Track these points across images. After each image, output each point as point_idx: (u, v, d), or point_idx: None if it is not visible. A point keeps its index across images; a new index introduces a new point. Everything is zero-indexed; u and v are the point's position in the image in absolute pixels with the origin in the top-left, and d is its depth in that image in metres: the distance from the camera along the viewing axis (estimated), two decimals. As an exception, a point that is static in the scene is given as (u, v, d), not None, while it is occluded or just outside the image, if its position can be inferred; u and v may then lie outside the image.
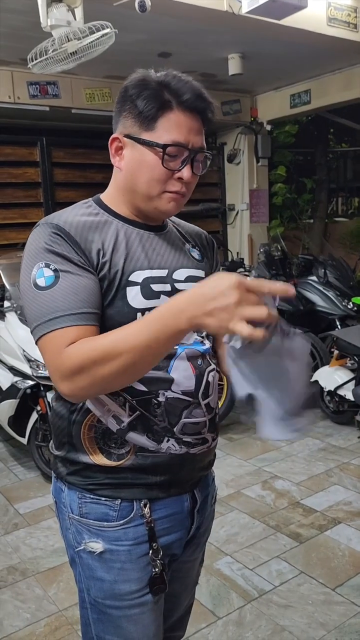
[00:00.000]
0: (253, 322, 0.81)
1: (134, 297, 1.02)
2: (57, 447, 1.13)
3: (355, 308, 4.35)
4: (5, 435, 3.70)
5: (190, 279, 1.11)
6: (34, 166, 5.11)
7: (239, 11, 3.39)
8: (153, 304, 1.03)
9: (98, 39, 2.82)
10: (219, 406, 3.97)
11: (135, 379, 0.99)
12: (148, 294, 1.03)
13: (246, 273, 4.93)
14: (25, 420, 3.18)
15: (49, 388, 3.01)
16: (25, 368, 3.16)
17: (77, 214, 1.05)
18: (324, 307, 4.43)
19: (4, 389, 3.30)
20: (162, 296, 1.05)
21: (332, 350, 3.99)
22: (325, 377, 3.83)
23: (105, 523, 1.07)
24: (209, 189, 6.26)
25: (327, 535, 2.59)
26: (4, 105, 4.62)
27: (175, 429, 1.06)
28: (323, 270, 4.49)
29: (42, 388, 3.07)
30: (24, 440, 3.20)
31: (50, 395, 2.99)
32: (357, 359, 3.72)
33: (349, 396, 3.68)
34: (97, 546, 1.07)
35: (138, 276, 1.04)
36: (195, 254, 1.19)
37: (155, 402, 1.04)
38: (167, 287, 1.07)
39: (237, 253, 6.14)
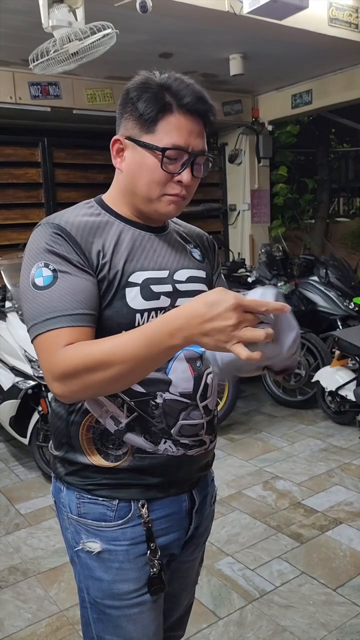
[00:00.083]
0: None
1: (133, 298, 1.02)
2: (56, 448, 1.13)
3: (357, 308, 4.35)
4: (7, 435, 3.71)
5: (191, 280, 1.12)
6: (35, 167, 5.12)
7: (240, 11, 3.39)
8: (152, 304, 1.03)
9: (99, 39, 2.82)
10: (220, 407, 4.00)
11: (127, 387, 1.00)
12: (148, 294, 1.03)
13: (247, 273, 4.93)
14: (26, 420, 3.18)
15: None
16: (27, 368, 3.16)
17: (78, 214, 1.05)
18: (326, 308, 4.43)
19: (5, 389, 3.30)
20: (162, 297, 1.05)
21: (334, 350, 3.99)
22: (327, 378, 3.83)
23: (103, 523, 1.07)
24: (210, 189, 6.26)
25: (328, 535, 2.59)
26: (5, 106, 4.62)
27: (172, 431, 1.06)
28: (324, 271, 4.49)
29: (43, 388, 3.07)
30: (25, 441, 3.20)
31: (51, 396, 2.99)
32: (358, 359, 3.72)
33: (350, 396, 3.68)
34: (95, 546, 1.08)
35: (138, 277, 1.04)
36: (197, 254, 1.19)
37: (153, 403, 1.04)
38: (169, 288, 1.07)
39: (239, 253, 6.14)
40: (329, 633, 1.98)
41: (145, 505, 1.08)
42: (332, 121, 6.81)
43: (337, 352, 3.84)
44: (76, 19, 2.89)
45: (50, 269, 0.96)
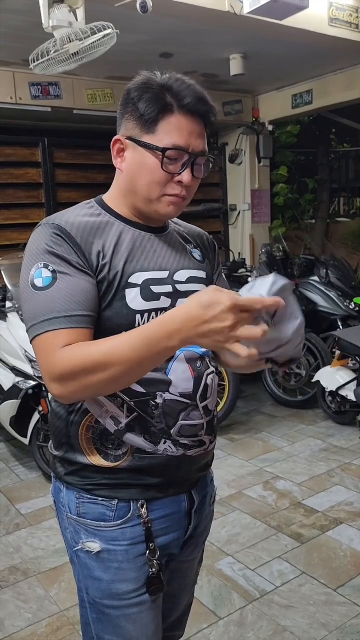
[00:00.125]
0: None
1: (133, 298, 1.02)
2: (55, 448, 1.13)
3: (357, 308, 4.34)
4: (7, 435, 3.71)
5: (191, 280, 1.12)
6: (35, 167, 5.11)
7: (241, 12, 3.39)
8: (152, 305, 1.03)
9: (100, 39, 2.82)
10: (220, 407, 4.00)
11: (125, 387, 1.00)
12: (148, 295, 1.03)
13: (248, 273, 4.93)
14: (27, 420, 3.18)
15: (50, 388, 3.01)
16: (27, 368, 3.16)
17: (79, 215, 1.05)
18: (326, 308, 4.43)
19: (5, 389, 3.30)
20: (162, 297, 1.05)
21: (334, 350, 3.99)
22: (327, 378, 3.83)
23: (103, 523, 1.08)
24: (210, 189, 6.26)
25: (328, 535, 2.58)
26: (5, 106, 4.62)
27: (172, 431, 1.06)
28: (325, 271, 4.48)
29: (44, 388, 3.07)
30: (26, 441, 3.21)
31: (51, 396, 2.99)
32: (359, 360, 3.72)
33: (351, 397, 3.68)
34: (95, 546, 1.08)
35: (138, 278, 1.04)
36: (197, 254, 1.19)
37: (153, 403, 1.04)
38: (169, 289, 1.07)
39: (239, 253, 6.14)
40: (330, 633, 1.98)
41: (145, 506, 1.08)
42: (332, 121, 6.80)
43: (338, 352, 3.84)
44: (77, 19, 2.89)
45: (49, 270, 0.96)
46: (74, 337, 0.94)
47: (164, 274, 1.08)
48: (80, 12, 2.90)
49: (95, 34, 2.81)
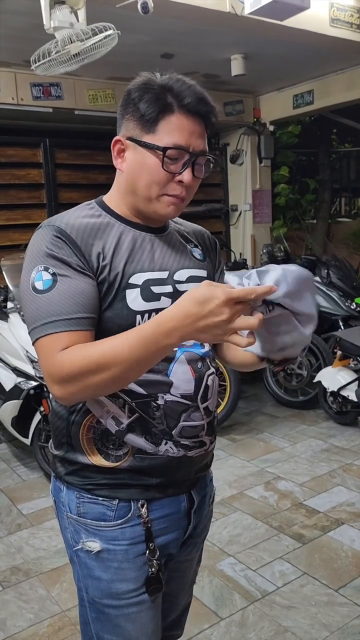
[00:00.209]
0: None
1: (134, 299, 1.02)
2: (56, 447, 1.14)
3: (359, 309, 4.34)
4: (9, 436, 3.71)
5: (192, 280, 1.12)
6: (37, 167, 5.12)
7: (242, 12, 3.39)
8: (153, 306, 1.04)
9: (101, 40, 2.83)
10: (222, 408, 4.00)
11: (126, 385, 1.01)
12: (148, 296, 1.04)
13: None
14: (28, 421, 3.19)
15: (52, 389, 3.01)
16: (29, 369, 3.17)
17: (79, 216, 1.05)
18: (327, 308, 4.42)
19: (7, 389, 3.31)
20: (162, 298, 1.06)
21: (335, 350, 3.99)
22: (328, 378, 3.83)
23: (103, 523, 1.08)
24: (211, 189, 6.26)
25: (330, 536, 2.58)
26: (7, 107, 4.63)
27: (173, 432, 1.06)
28: (326, 271, 4.48)
29: (45, 389, 3.08)
30: (27, 441, 3.21)
31: (52, 396, 2.99)
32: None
33: (352, 397, 3.68)
34: (95, 545, 1.08)
35: (138, 278, 1.04)
36: (197, 253, 1.19)
37: (154, 404, 1.05)
38: (169, 289, 1.07)
39: (240, 254, 6.14)
40: (331, 634, 1.98)
41: (145, 505, 1.08)
42: (333, 121, 6.79)
43: (339, 353, 3.84)
44: (78, 20, 2.89)
45: (49, 272, 0.97)
46: (74, 339, 0.94)
47: (164, 274, 1.08)
48: (81, 13, 2.90)
49: (97, 34, 2.81)
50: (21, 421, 3.22)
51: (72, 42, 2.82)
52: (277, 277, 0.87)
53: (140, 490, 1.08)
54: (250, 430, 3.97)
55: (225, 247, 6.09)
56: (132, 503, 1.08)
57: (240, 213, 6.35)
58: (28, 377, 3.18)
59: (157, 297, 1.05)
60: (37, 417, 3.14)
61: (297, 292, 0.89)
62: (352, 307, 4.33)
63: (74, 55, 2.87)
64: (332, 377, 3.80)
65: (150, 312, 1.03)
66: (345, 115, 6.50)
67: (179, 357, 1.06)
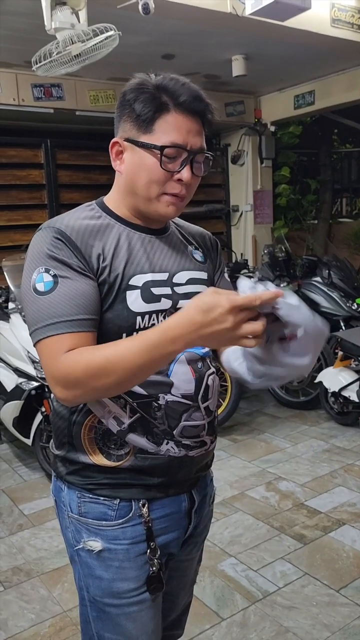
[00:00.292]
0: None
1: (134, 300, 1.02)
2: (57, 447, 1.14)
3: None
4: (10, 436, 3.71)
5: (191, 282, 1.12)
6: (38, 168, 5.13)
7: (243, 13, 3.39)
8: (153, 307, 1.04)
9: (102, 41, 2.83)
10: (223, 408, 3.99)
11: (129, 389, 1.01)
12: (148, 297, 1.04)
13: (250, 274, 4.93)
14: (29, 421, 3.19)
15: (53, 389, 3.01)
16: (30, 369, 3.17)
17: (79, 218, 1.05)
18: (328, 308, 4.42)
19: (8, 390, 3.31)
20: (162, 299, 1.06)
21: (337, 351, 3.99)
22: (330, 378, 3.82)
23: (104, 522, 1.08)
24: (212, 190, 6.27)
25: (331, 536, 2.58)
26: (8, 108, 4.64)
27: (174, 432, 1.07)
28: (327, 271, 4.48)
29: (46, 389, 3.08)
30: (29, 442, 3.21)
31: (53, 396, 2.99)
32: (361, 360, 3.71)
33: (353, 397, 3.68)
34: (96, 545, 1.09)
35: (138, 280, 1.04)
36: (198, 255, 1.19)
37: (156, 405, 1.05)
38: (169, 290, 1.08)
39: (241, 254, 6.14)
40: (332, 634, 1.98)
41: (146, 505, 1.09)
42: (334, 122, 6.80)
43: (340, 353, 3.84)
44: (79, 21, 2.90)
45: (50, 274, 0.97)
46: (76, 341, 0.95)
47: (164, 276, 1.08)
48: (83, 14, 2.91)
49: (98, 35, 2.82)
50: (22, 422, 3.22)
51: (73, 43, 2.82)
52: (300, 322, 0.87)
53: (141, 489, 1.08)
54: (252, 430, 3.97)
55: (227, 248, 6.10)
56: (133, 502, 1.08)
57: (242, 213, 6.36)
58: (29, 377, 3.18)
59: (157, 298, 1.05)
60: (39, 417, 3.14)
61: (306, 338, 0.90)
62: (353, 307, 4.33)
63: (75, 56, 2.88)
64: (334, 378, 3.80)
65: (150, 314, 1.03)
66: (346, 115, 6.50)
67: (179, 358, 1.06)
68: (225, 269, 1.30)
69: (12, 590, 2.29)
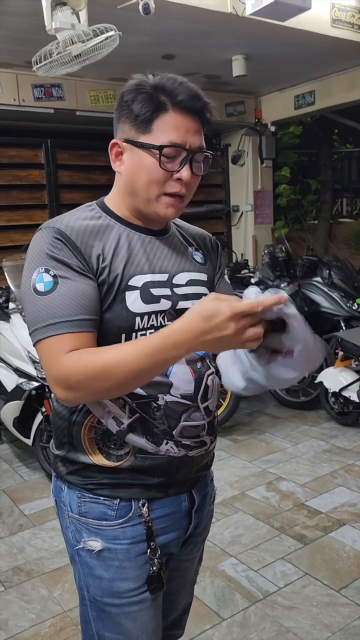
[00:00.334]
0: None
1: (133, 301, 1.03)
2: (57, 447, 1.14)
3: (360, 309, 4.33)
4: (11, 436, 3.72)
5: (191, 283, 1.12)
6: (38, 168, 5.13)
7: (243, 13, 3.39)
8: (152, 308, 1.04)
9: (102, 41, 2.83)
10: (223, 408, 3.98)
11: (129, 392, 1.02)
12: (147, 298, 1.04)
13: (250, 274, 4.93)
14: (30, 421, 3.19)
15: (53, 389, 3.02)
16: (30, 369, 3.17)
17: (79, 218, 1.05)
18: (329, 309, 4.42)
19: (9, 390, 3.31)
20: (162, 300, 1.06)
21: (337, 351, 3.98)
22: (330, 379, 3.82)
23: (104, 522, 1.08)
24: (213, 190, 6.27)
25: (331, 536, 2.58)
26: (8, 108, 4.64)
27: (174, 432, 1.07)
28: (328, 272, 4.47)
29: (47, 389, 3.08)
30: (29, 442, 3.21)
31: (53, 396, 2.99)
32: (361, 360, 3.71)
33: (354, 397, 3.68)
34: (96, 545, 1.09)
35: (138, 281, 1.04)
36: (198, 257, 1.19)
37: (155, 405, 1.05)
38: (168, 291, 1.08)
39: (242, 254, 6.15)
40: (333, 634, 1.98)
41: (146, 505, 1.09)
42: (335, 122, 6.80)
43: (341, 353, 3.84)
44: (79, 21, 2.90)
45: (50, 274, 0.97)
46: (77, 341, 0.95)
47: (164, 277, 1.08)
48: (83, 14, 2.91)
49: (98, 35, 2.82)
50: (23, 422, 3.22)
51: (73, 44, 2.82)
52: (299, 339, 0.91)
53: (141, 489, 1.08)
54: (252, 430, 3.97)
55: (227, 248, 6.10)
56: (133, 502, 1.08)
57: (242, 214, 6.36)
58: (30, 377, 3.18)
59: (156, 299, 1.05)
60: (39, 417, 3.15)
61: (301, 356, 0.92)
62: (353, 307, 4.33)
63: (75, 56, 2.88)
64: (334, 378, 3.80)
65: (149, 314, 1.04)
66: (346, 115, 6.50)
67: None
68: (226, 270, 1.30)
69: (12, 590, 2.29)
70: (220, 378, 1.04)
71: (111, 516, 1.08)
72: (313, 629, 2.01)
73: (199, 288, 1.13)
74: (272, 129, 6.14)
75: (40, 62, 2.97)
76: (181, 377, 1.06)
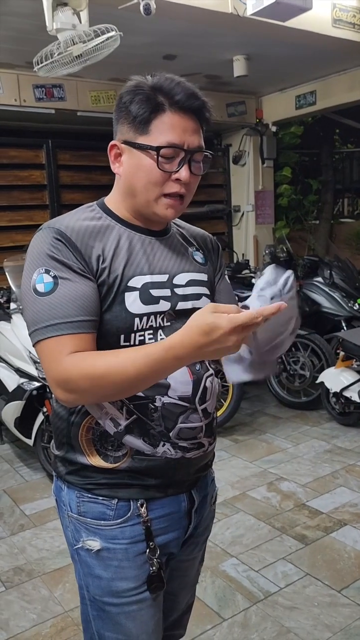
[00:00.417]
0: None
1: (132, 302, 1.03)
2: (57, 447, 1.15)
3: (361, 309, 4.33)
4: (12, 436, 3.72)
5: (191, 283, 1.12)
6: (39, 169, 5.13)
7: (244, 13, 3.39)
8: (152, 309, 1.04)
9: (103, 42, 2.83)
10: (224, 409, 3.99)
11: (129, 396, 1.02)
12: (147, 299, 1.04)
13: (251, 274, 4.93)
14: (31, 421, 3.19)
15: (54, 389, 3.02)
16: (31, 369, 3.17)
17: (79, 218, 1.05)
18: (330, 309, 4.42)
19: (10, 390, 3.31)
20: (161, 301, 1.06)
21: (338, 351, 3.98)
22: (331, 379, 3.82)
23: (103, 522, 1.09)
24: (214, 190, 6.27)
25: (332, 537, 2.58)
26: (10, 108, 4.64)
27: (171, 434, 1.07)
28: (329, 272, 4.48)
29: (48, 390, 3.08)
30: (30, 442, 3.21)
31: (53, 396, 2.99)
32: (362, 361, 3.71)
33: (355, 398, 3.68)
34: (95, 544, 1.09)
35: (137, 281, 1.04)
36: (199, 257, 1.19)
37: (152, 406, 1.05)
38: (167, 292, 1.08)
39: (243, 254, 6.14)
40: (334, 635, 1.98)
41: (145, 505, 1.09)
42: (336, 122, 6.79)
43: (342, 354, 3.83)
44: (80, 22, 2.90)
45: (50, 275, 0.97)
46: (77, 342, 0.95)
47: (164, 277, 1.08)
48: (84, 15, 2.91)
49: (99, 36, 2.82)
50: (24, 422, 3.22)
51: (74, 44, 2.82)
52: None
53: (139, 489, 1.08)
54: (253, 431, 3.97)
55: (228, 248, 6.10)
56: (131, 502, 1.08)
57: (243, 214, 6.35)
58: (31, 377, 3.19)
59: (156, 300, 1.05)
60: (40, 417, 3.15)
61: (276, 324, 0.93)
62: (354, 307, 4.33)
63: (76, 56, 2.88)
64: (335, 378, 3.80)
65: (149, 315, 1.04)
66: (347, 115, 6.50)
67: None
68: (226, 271, 1.30)
69: (13, 591, 2.30)
70: (220, 378, 1.05)
71: (110, 516, 1.08)
72: (314, 630, 2.01)
73: (199, 288, 1.13)
74: (273, 129, 6.14)
75: (41, 63, 2.97)
76: (179, 378, 1.06)
